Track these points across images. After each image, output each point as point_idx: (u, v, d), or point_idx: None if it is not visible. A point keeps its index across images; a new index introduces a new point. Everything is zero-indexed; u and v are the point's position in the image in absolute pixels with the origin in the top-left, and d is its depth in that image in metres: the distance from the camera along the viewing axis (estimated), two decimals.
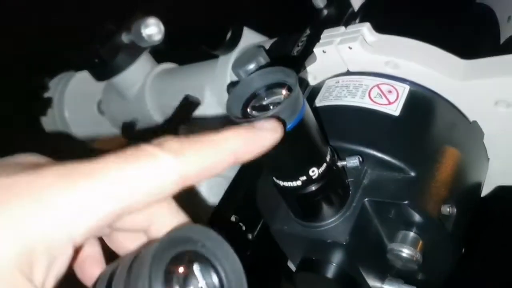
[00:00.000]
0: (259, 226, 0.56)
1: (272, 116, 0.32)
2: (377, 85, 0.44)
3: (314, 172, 0.37)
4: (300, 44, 0.65)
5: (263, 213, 0.47)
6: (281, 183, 0.38)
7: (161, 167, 0.26)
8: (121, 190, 0.25)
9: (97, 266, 0.32)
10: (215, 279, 0.27)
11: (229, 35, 0.71)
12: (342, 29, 0.47)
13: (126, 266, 0.27)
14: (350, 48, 0.45)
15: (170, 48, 0.80)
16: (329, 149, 0.38)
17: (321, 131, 0.37)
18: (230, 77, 0.72)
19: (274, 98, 0.36)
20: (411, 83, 0.44)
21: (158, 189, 0.26)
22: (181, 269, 0.27)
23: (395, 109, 0.42)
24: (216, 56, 0.75)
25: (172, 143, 0.27)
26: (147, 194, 0.26)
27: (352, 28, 0.46)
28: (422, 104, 0.44)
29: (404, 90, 0.43)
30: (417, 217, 0.39)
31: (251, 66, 0.58)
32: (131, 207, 0.26)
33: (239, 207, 0.54)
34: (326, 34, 0.47)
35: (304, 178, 0.37)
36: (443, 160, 0.42)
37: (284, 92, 0.36)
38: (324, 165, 0.37)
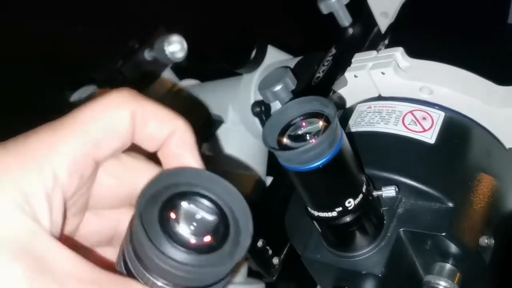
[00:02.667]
0: (286, 250, 0.55)
1: (292, 153, 0.33)
2: (411, 112, 0.43)
3: (350, 203, 0.36)
4: (325, 63, 0.64)
5: (293, 240, 0.47)
6: (316, 213, 0.38)
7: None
8: (82, 131, 0.27)
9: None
10: (210, 205, 0.28)
11: (253, 53, 0.70)
12: (374, 53, 0.46)
13: (128, 229, 0.28)
14: (383, 73, 0.44)
15: (192, 65, 0.80)
16: (364, 179, 0.38)
17: (356, 160, 0.37)
18: (254, 95, 0.71)
19: (311, 128, 0.36)
20: (446, 109, 0.43)
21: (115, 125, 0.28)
22: (174, 210, 0.27)
23: (430, 137, 0.42)
24: (239, 74, 0.75)
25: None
26: (106, 129, 0.28)
27: (384, 52, 0.45)
28: (458, 131, 0.43)
29: (439, 116, 0.43)
30: (454, 249, 0.38)
31: (278, 87, 0.58)
32: (97, 146, 0.28)
33: (265, 231, 0.53)
34: (358, 58, 0.47)
35: (340, 209, 0.36)
36: (480, 189, 0.41)
37: (321, 122, 0.35)
38: (360, 195, 0.37)
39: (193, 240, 0.26)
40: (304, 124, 0.36)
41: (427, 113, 0.43)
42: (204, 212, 0.28)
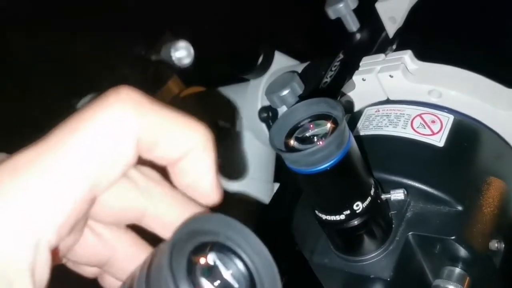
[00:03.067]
0: (293, 254, 0.55)
1: (299, 155, 0.32)
2: (420, 115, 0.43)
3: (358, 206, 0.36)
4: (333, 68, 0.64)
5: (301, 244, 0.46)
6: (324, 216, 0.37)
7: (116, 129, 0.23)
8: (76, 169, 0.22)
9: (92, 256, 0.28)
10: (241, 267, 0.25)
11: (260, 59, 0.70)
12: (382, 56, 0.46)
13: (145, 265, 0.24)
14: (391, 76, 0.44)
15: (199, 71, 0.80)
16: (373, 182, 0.37)
17: (365, 163, 0.36)
18: (261, 101, 0.71)
19: (318, 130, 0.35)
20: (455, 112, 0.43)
21: (116, 154, 0.23)
22: (203, 260, 0.24)
23: (439, 140, 0.41)
24: (246, 80, 0.75)
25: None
26: (106, 162, 0.23)
27: (392, 55, 0.45)
28: (467, 134, 0.42)
29: (448, 120, 0.42)
30: (464, 253, 0.38)
31: (285, 92, 0.58)
32: (96, 183, 0.23)
33: (273, 235, 0.53)
34: (366, 61, 0.47)
35: (348, 212, 0.36)
36: (490, 193, 0.40)
37: (328, 124, 0.35)
38: (369, 199, 0.36)
39: None
40: (311, 126, 0.35)
41: (436, 116, 0.43)
42: (233, 271, 0.25)
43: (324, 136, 0.34)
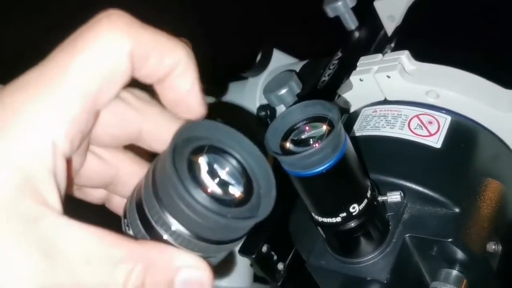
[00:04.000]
0: (291, 255, 0.55)
1: (294, 158, 0.32)
2: (417, 116, 0.43)
3: (355, 208, 0.36)
4: (331, 67, 0.64)
5: (298, 245, 0.46)
6: (320, 218, 0.37)
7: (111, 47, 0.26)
8: (78, 83, 0.25)
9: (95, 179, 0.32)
10: (236, 165, 0.29)
11: (258, 57, 0.70)
12: (379, 56, 0.46)
13: (149, 173, 0.27)
14: (388, 77, 0.43)
15: (197, 68, 0.80)
16: (369, 183, 0.37)
17: (361, 165, 0.36)
18: (259, 99, 0.71)
19: (314, 132, 0.35)
20: (452, 113, 0.43)
21: (113, 69, 0.26)
22: (202, 159, 0.27)
23: (436, 141, 0.41)
24: (244, 78, 0.74)
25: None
26: (105, 76, 0.26)
27: (390, 56, 0.45)
28: (464, 135, 0.42)
29: (445, 121, 0.42)
30: (461, 255, 0.38)
31: (283, 91, 0.58)
32: (97, 96, 0.26)
33: (270, 236, 0.52)
34: (363, 61, 0.46)
35: (344, 214, 0.36)
36: (487, 195, 0.40)
37: (324, 126, 0.34)
38: (365, 201, 0.36)
39: (221, 192, 0.27)
40: (307, 128, 0.35)
41: (434, 117, 0.42)
42: (229, 170, 0.28)
43: (320, 138, 0.34)
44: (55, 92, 0.24)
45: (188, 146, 0.27)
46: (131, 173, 0.32)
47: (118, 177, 0.32)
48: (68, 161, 0.26)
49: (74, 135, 0.25)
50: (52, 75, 0.25)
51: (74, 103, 0.25)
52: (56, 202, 0.24)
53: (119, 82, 0.27)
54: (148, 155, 0.32)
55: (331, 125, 0.34)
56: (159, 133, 0.30)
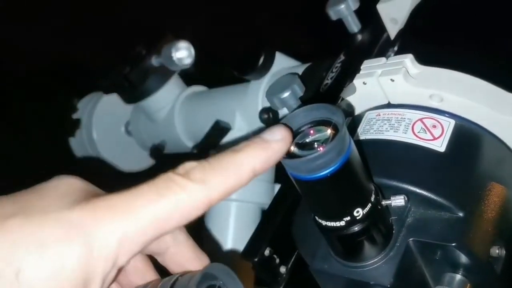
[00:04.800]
0: (293, 259, 0.55)
1: (299, 162, 0.33)
2: (421, 119, 0.42)
3: (359, 212, 0.36)
4: (334, 70, 0.64)
5: (301, 249, 0.46)
6: (324, 222, 0.37)
7: (191, 198, 0.30)
8: (157, 222, 0.30)
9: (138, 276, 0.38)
10: None
11: (261, 60, 0.70)
12: (383, 60, 0.46)
13: None
14: (392, 80, 0.43)
15: (200, 71, 0.80)
16: (373, 187, 0.37)
17: (365, 169, 0.36)
18: (262, 102, 0.71)
19: (318, 136, 0.35)
20: (456, 117, 0.42)
21: (188, 216, 0.31)
22: None
23: (440, 145, 0.41)
24: (247, 80, 0.74)
25: (196, 172, 0.31)
26: (179, 221, 0.30)
27: (394, 59, 0.45)
28: (468, 139, 0.42)
29: (449, 124, 0.42)
30: (464, 259, 0.38)
31: (286, 94, 0.57)
32: (164, 233, 0.30)
33: (273, 239, 0.52)
34: (367, 65, 0.46)
35: (348, 218, 0.36)
36: (491, 199, 0.40)
37: (329, 130, 0.34)
38: (369, 205, 0.36)
39: None
40: (312, 132, 0.35)
41: (437, 121, 0.42)
42: None
43: (324, 141, 0.34)
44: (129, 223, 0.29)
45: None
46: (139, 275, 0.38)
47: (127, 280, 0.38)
48: None
49: (132, 257, 0.30)
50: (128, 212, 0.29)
51: (144, 234, 0.29)
52: None
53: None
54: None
55: (336, 129, 0.34)
56: (180, 258, 0.37)
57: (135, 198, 0.30)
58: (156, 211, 0.29)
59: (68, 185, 0.31)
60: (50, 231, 0.27)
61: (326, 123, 0.35)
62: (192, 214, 0.31)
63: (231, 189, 0.31)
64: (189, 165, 0.31)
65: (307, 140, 0.35)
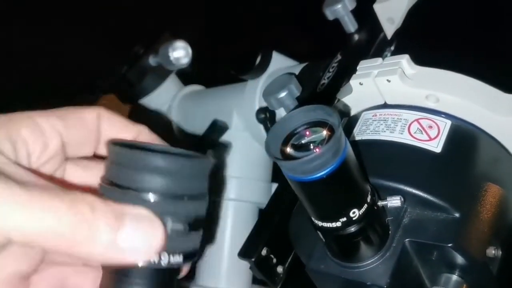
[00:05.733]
0: (290, 258, 0.55)
1: (295, 163, 0.32)
2: (417, 120, 0.43)
3: (355, 213, 0.36)
4: (331, 70, 0.64)
5: (297, 249, 0.46)
6: (320, 223, 0.37)
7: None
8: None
9: None
10: None
11: (258, 59, 0.70)
12: (379, 60, 0.46)
13: None
14: (388, 81, 0.43)
15: (197, 70, 0.80)
16: (369, 188, 0.37)
17: (361, 170, 0.36)
18: (259, 102, 0.71)
19: (314, 137, 0.35)
20: (452, 117, 0.42)
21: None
22: None
23: (436, 146, 0.41)
24: (244, 80, 0.74)
25: None
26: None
27: (390, 60, 0.45)
28: (465, 140, 0.42)
29: (445, 125, 0.42)
30: (461, 260, 0.38)
31: (283, 94, 0.57)
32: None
33: (270, 239, 0.52)
34: (363, 65, 0.46)
35: (344, 219, 0.36)
36: (487, 199, 0.40)
37: (325, 131, 0.34)
38: (365, 205, 0.36)
39: None
40: (307, 133, 0.35)
41: (434, 121, 0.42)
42: None
43: (320, 143, 0.34)
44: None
45: None
46: None
47: None
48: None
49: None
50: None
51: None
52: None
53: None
54: None
55: (332, 130, 0.34)
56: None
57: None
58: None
59: None
60: None
61: (322, 124, 0.35)
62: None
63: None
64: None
65: (303, 142, 0.35)
